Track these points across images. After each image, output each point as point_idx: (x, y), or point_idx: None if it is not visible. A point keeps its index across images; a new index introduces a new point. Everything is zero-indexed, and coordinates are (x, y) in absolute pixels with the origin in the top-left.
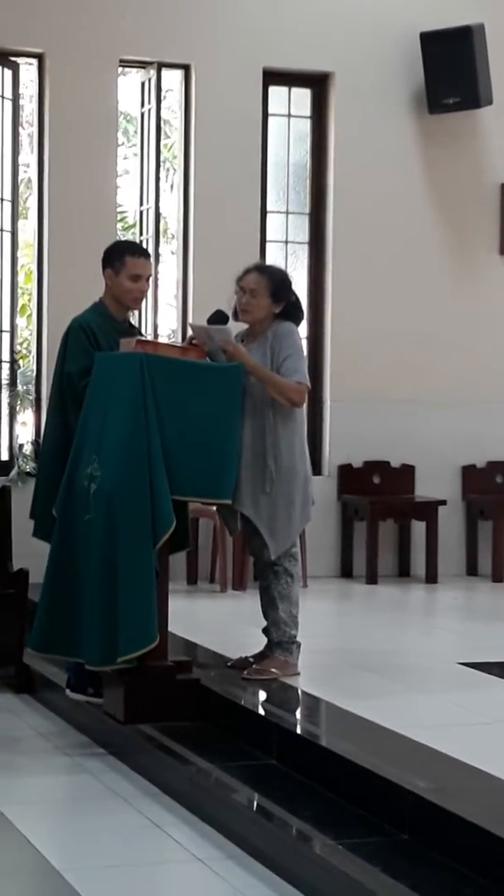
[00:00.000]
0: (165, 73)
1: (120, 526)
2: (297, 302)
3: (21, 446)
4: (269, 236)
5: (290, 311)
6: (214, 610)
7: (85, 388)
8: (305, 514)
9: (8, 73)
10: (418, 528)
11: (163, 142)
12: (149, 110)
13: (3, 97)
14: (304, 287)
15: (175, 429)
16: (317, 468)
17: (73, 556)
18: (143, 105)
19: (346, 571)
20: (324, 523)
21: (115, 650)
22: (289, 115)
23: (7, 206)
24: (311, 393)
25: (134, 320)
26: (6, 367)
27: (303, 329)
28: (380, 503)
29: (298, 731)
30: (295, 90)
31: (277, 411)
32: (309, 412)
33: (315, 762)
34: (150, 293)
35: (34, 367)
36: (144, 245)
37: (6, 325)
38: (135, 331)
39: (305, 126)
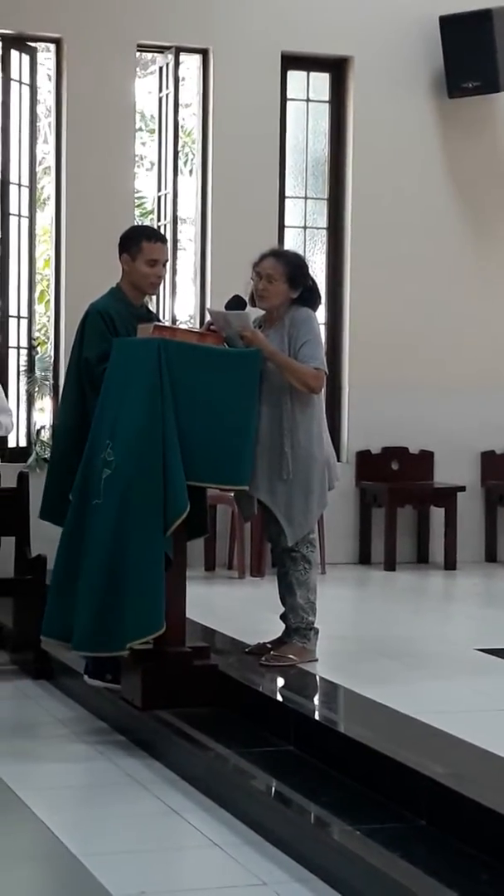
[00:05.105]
0: (183, 57)
1: (132, 511)
2: (313, 287)
3: (39, 432)
4: (287, 221)
5: (307, 297)
6: (232, 596)
7: (103, 373)
8: (323, 500)
9: (25, 58)
10: (437, 515)
11: (181, 127)
12: (167, 95)
13: (20, 82)
14: (323, 272)
15: (192, 415)
16: (335, 454)
17: (82, 541)
18: (161, 90)
19: (364, 558)
20: (342, 510)
21: (122, 635)
22: (307, 100)
23: (25, 192)
24: (329, 379)
25: (151, 306)
26: (24, 353)
27: (321, 315)
28: (398, 489)
29: (316, 717)
30: (314, 74)
31: (295, 397)
32: (327, 398)
33: (333, 748)
34: (167, 278)
35: (52, 354)
36: (162, 231)
37: (24, 312)
38: (152, 316)
39: (324, 111)
